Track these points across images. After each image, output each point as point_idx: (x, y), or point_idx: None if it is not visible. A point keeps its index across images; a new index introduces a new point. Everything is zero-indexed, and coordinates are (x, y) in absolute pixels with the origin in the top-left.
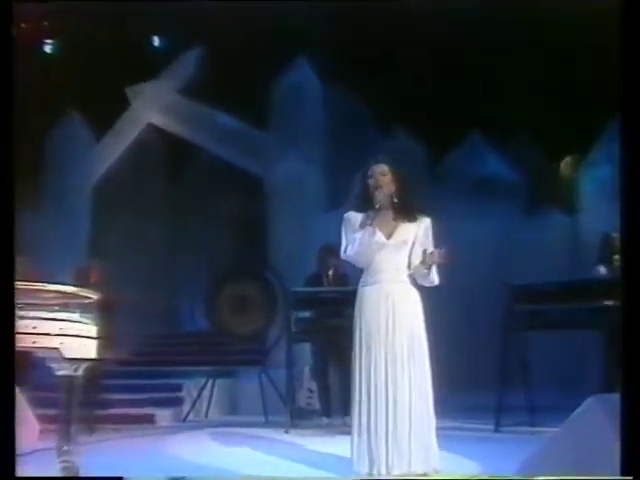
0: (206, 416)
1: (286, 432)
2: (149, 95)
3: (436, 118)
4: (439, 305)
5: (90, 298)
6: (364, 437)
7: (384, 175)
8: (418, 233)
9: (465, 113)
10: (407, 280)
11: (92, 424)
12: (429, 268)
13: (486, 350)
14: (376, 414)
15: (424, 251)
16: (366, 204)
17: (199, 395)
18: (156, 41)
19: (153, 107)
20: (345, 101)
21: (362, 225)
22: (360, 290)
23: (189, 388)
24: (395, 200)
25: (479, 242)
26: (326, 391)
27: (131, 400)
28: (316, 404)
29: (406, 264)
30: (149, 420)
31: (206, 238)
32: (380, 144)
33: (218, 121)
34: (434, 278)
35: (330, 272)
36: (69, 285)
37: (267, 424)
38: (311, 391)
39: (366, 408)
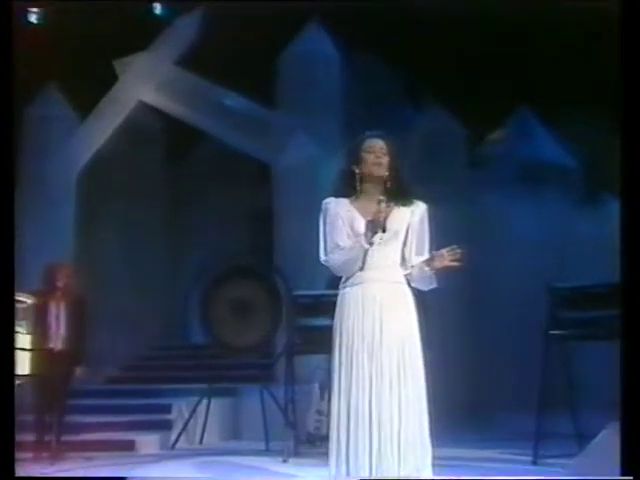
0: (200, 442)
1: (284, 461)
2: (140, 68)
3: (477, 91)
4: (468, 312)
5: (23, 302)
6: (342, 469)
7: (384, 154)
8: (413, 220)
9: (512, 84)
10: (400, 279)
11: (56, 452)
12: (432, 271)
13: (523, 365)
14: (357, 442)
15: (432, 252)
16: (350, 188)
17: (190, 417)
18: (148, 5)
19: (145, 82)
20: (366, 73)
21: (351, 226)
22: (341, 292)
23: (180, 409)
24: (388, 183)
25: (522, 237)
26: None
27: (106, 423)
28: (326, 429)
29: (398, 259)
30: (128, 447)
31: (203, 233)
32: (409, 122)
33: (219, 98)
34: (434, 281)
35: None
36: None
37: (268, 452)
38: (320, 413)
39: (345, 435)
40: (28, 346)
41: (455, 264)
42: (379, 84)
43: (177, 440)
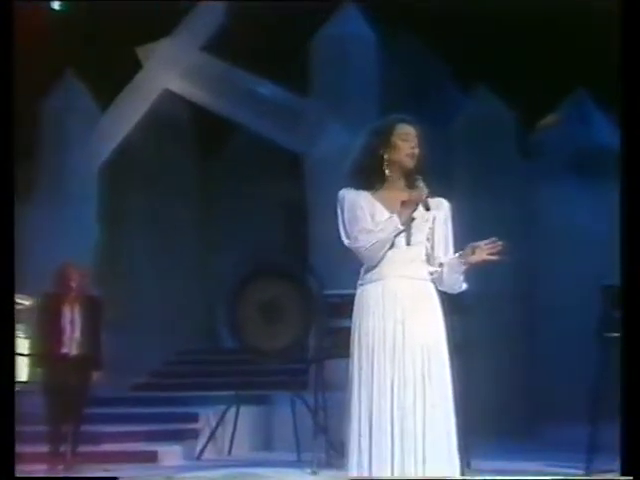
0: (229, 453)
1: (314, 473)
2: (164, 54)
3: (528, 73)
4: (517, 313)
5: (21, 304)
6: None
7: (417, 144)
8: (437, 216)
9: (567, 65)
10: (424, 276)
11: (71, 464)
12: (466, 266)
13: (575, 370)
14: (379, 453)
15: (469, 244)
16: (375, 175)
17: (217, 426)
18: None
19: (169, 69)
20: (406, 55)
21: (372, 217)
22: (359, 290)
23: (207, 418)
24: (414, 175)
25: (577, 232)
26: None
27: (127, 433)
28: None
29: (423, 255)
30: (150, 458)
31: (233, 230)
32: (455, 108)
33: (247, 85)
34: (462, 282)
35: None
36: None
37: (299, 463)
38: None
39: (367, 445)
40: (39, 351)
41: (493, 258)
42: (420, 67)
43: (203, 450)
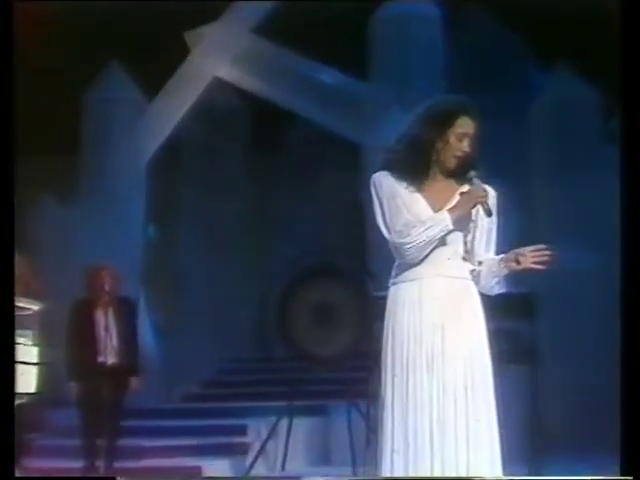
0: (283, 468)
1: None
2: (214, 39)
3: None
4: (593, 317)
5: (28, 309)
6: None
7: (473, 136)
8: (480, 210)
9: None
10: (465, 275)
11: None
12: (507, 271)
13: None
14: (416, 471)
15: (513, 251)
16: (421, 165)
17: (268, 439)
18: None
19: (220, 55)
20: (475, 34)
21: (409, 210)
22: (393, 289)
23: (257, 430)
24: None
25: None
26: None
27: (169, 447)
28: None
29: (461, 251)
30: (194, 474)
31: (290, 227)
32: (530, 92)
33: (303, 70)
34: (503, 285)
35: None
36: None
37: (355, 476)
38: None
39: (402, 463)
40: (73, 362)
41: (540, 267)
42: (491, 46)
43: (253, 465)
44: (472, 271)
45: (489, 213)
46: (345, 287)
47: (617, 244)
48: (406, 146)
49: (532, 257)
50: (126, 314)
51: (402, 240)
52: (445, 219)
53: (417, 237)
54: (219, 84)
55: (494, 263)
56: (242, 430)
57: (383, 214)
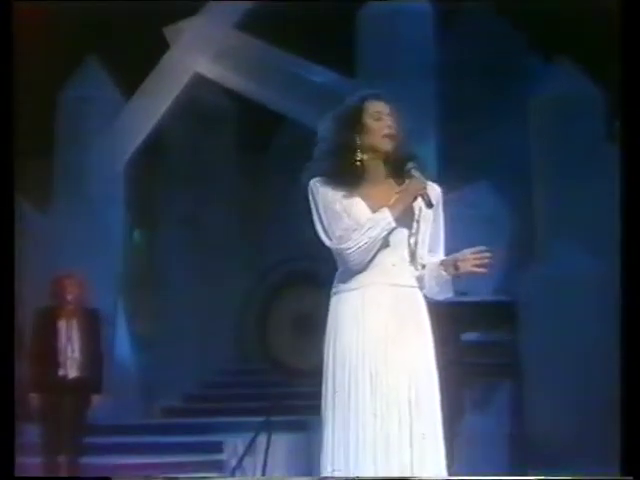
0: None
1: None
2: (195, 34)
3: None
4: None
5: None
6: None
7: (393, 122)
8: (424, 207)
9: None
10: (412, 282)
11: None
12: (449, 277)
13: None
14: None
15: (453, 255)
16: (351, 167)
17: (244, 456)
18: None
19: (201, 50)
20: (469, 28)
21: (349, 214)
22: (334, 299)
23: (234, 446)
24: (394, 158)
25: None
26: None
27: (138, 465)
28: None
29: (407, 256)
30: None
31: (270, 232)
32: (531, 87)
33: (288, 67)
34: (450, 289)
35: None
36: None
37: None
38: None
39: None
40: (33, 374)
41: (481, 270)
42: (487, 40)
43: None
44: (419, 277)
45: (429, 204)
46: (326, 296)
47: (616, 247)
48: (327, 153)
49: (473, 260)
50: (91, 326)
51: (343, 245)
52: (386, 217)
53: (358, 240)
54: (200, 81)
55: (435, 267)
56: (217, 447)
57: (321, 221)
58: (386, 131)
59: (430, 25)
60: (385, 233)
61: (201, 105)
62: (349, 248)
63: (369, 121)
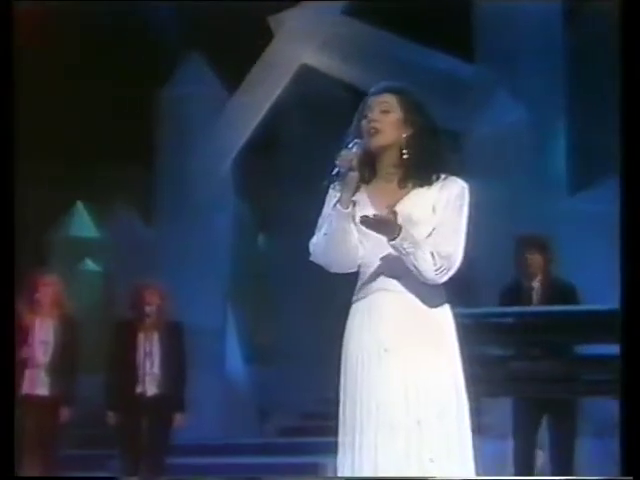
0: None
1: None
2: (301, 21)
3: None
4: None
5: None
6: None
7: (386, 112)
8: (437, 205)
9: None
10: (426, 288)
11: None
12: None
13: None
14: None
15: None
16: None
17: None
18: None
19: (307, 39)
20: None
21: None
22: (351, 308)
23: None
24: (405, 153)
25: None
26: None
27: None
28: None
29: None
30: None
31: None
32: None
33: (403, 53)
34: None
35: (536, 280)
36: None
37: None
38: None
39: None
40: (114, 388)
41: (384, 227)
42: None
43: None
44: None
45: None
46: None
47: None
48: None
49: (376, 219)
50: (172, 340)
51: (312, 251)
52: (346, 219)
53: (317, 244)
54: (307, 72)
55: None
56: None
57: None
58: (367, 126)
59: (556, 7)
60: (341, 223)
61: (310, 97)
62: (315, 253)
63: (362, 122)
